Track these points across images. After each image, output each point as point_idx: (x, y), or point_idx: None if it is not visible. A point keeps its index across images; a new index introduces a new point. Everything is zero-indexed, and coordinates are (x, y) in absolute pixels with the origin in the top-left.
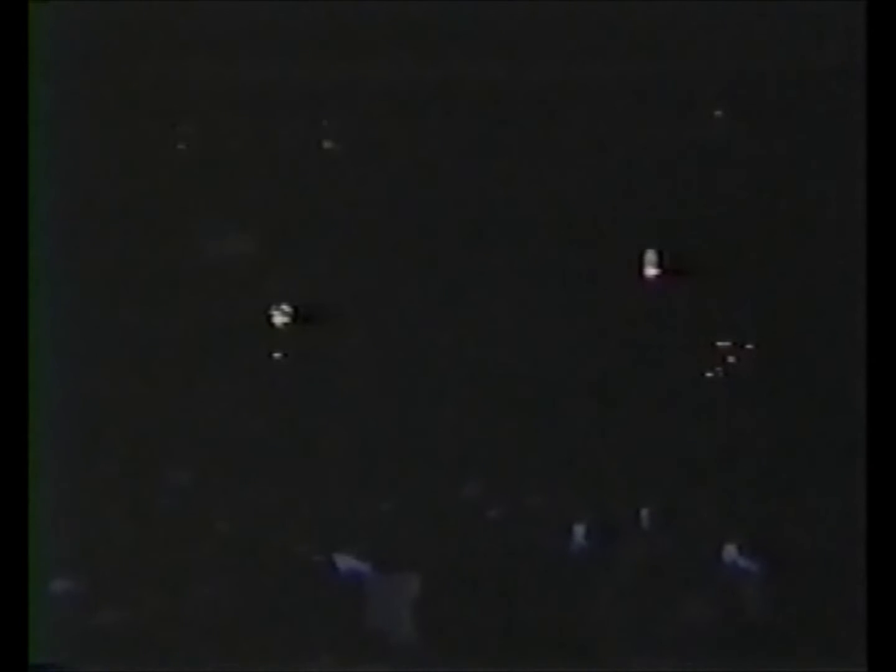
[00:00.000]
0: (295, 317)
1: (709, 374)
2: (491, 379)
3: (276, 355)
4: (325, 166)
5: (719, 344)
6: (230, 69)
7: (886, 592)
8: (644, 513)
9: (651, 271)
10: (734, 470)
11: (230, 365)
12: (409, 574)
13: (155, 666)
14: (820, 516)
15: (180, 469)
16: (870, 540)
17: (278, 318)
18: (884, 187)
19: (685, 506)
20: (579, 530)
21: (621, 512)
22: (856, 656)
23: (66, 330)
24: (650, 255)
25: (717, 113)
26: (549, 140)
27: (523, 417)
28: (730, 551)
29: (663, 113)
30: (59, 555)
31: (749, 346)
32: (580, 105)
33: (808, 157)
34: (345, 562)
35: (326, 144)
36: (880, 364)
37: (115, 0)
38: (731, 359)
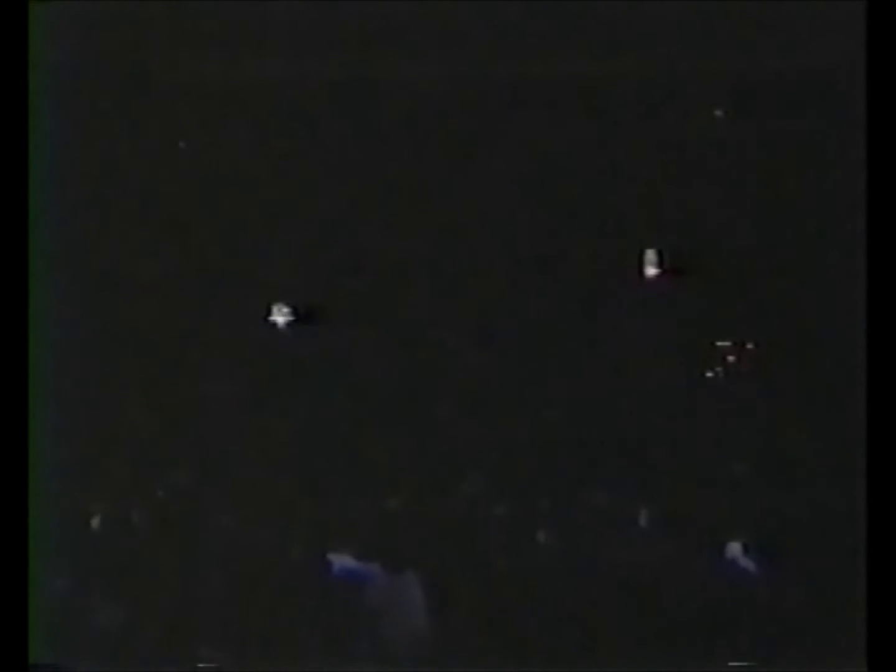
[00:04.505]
0: (295, 317)
1: (709, 374)
2: (491, 379)
3: (276, 355)
4: (325, 165)
5: (719, 344)
6: (231, 68)
7: (886, 592)
8: (644, 512)
9: (651, 271)
10: (734, 470)
11: (230, 364)
12: (409, 574)
13: (155, 666)
14: (820, 515)
15: (180, 469)
16: (870, 540)
17: (278, 318)
18: (884, 187)
19: (685, 505)
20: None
21: (621, 511)
22: (856, 656)
23: (66, 330)
24: (650, 255)
25: (717, 113)
26: (550, 140)
27: (524, 417)
28: (730, 551)
29: (663, 113)
30: (60, 555)
31: (749, 346)
32: (580, 105)
33: (808, 157)
34: (343, 562)
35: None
36: (880, 364)
37: (115, 0)
38: (731, 359)
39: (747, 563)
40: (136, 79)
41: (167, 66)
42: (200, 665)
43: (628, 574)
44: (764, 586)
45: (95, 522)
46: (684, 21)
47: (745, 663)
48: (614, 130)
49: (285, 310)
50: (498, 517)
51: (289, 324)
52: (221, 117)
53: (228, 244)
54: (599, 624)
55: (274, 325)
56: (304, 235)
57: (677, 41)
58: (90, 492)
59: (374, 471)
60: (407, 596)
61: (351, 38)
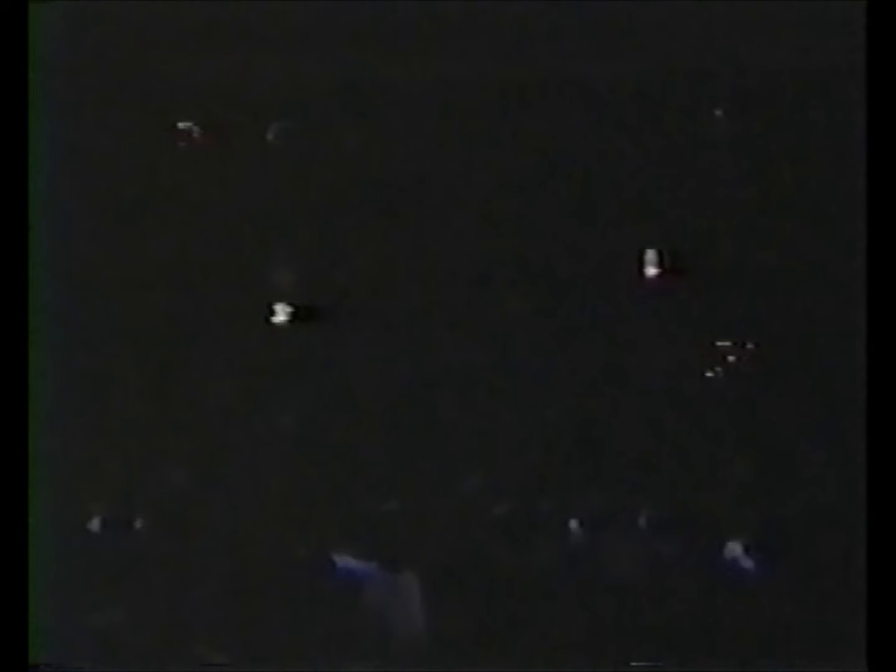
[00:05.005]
0: (295, 316)
1: (709, 374)
2: (491, 379)
3: (276, 354)
4: (325, 164)
5: (719, 344)
6: (231, 68)
7: (886, 592)
8: (644, 512)
9: (651, 271)
10: (734, 470)
11: (230, 364)
12: (407, 573)
13: (154, 666)
14: (820, 515)
15: (180, 468)
16: (870, 540)
17: (279, 318)
18: (884, 187)
19: (685, 505)
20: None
21: (621, 511)
22: (856, 656)
23: (65, 329)
24: (650, 255)
25: (718, 113)
26: (550, 140)
27: (524, 417)
28: (731, 551)
29: (663, 113)
30: (60, 555)
31: (749, 346)
32: (580, 105)
33: (808, 157)
34: (343, 561)
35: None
36: (880, 364)
37: (115, 0)
38: (731, 359)
39: (747, 563)
40: (136, 79)
41: (167, 66)
42: (200, 665)
43: (628, 574)
44: (764, 586)
45: (95, 523)
46: (684, 21)
47: (745, 663)
48: (614, 130)
49: (286, 309)
50: (498, 517)
51: (289, 323)
52: (222, 117)
53: (229, 244)
54: (599, 624)
55: (274, 324)
56: (304, 235)
57: (677, 41)
58: (90, 492)
59: (374, 471)
60: (405, 595)
61: (351, 37)
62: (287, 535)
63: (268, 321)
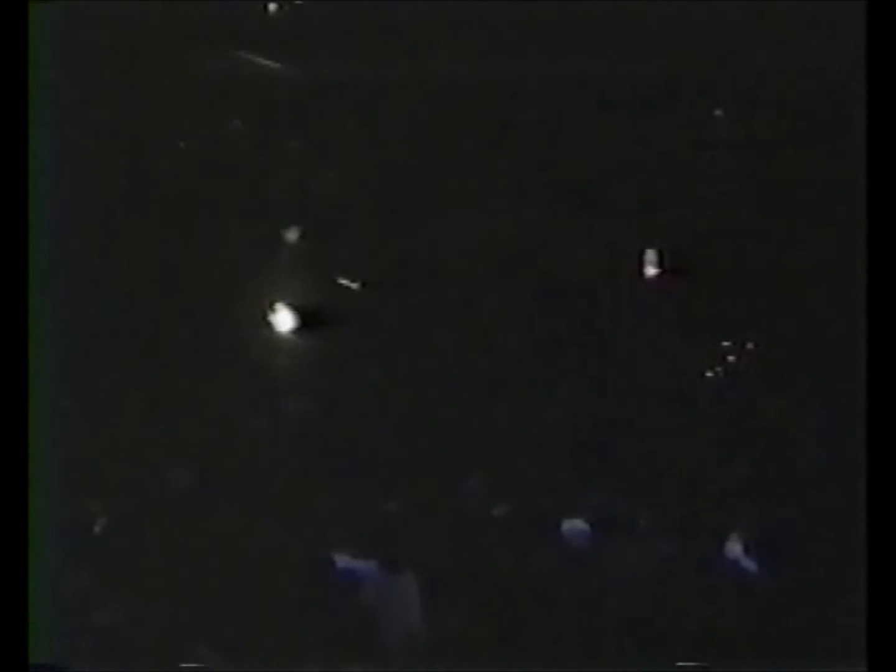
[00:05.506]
0: (296, 317)
1: (709, 374)
2: (491, 379)
3: (277, 356)
4: (325, 165)
5: (720, 344)
6: (232, 68)
7: (886, 592)
8: (644, 512)
9: (651, 271)
10: (735, 470)
11: (230, 365)
12: (407, 574)
13: (154, 666)
14: (821, 516)
15: (181, 468)
16: (870, 539)
17: (279, 319)
18: (884, 187)
19: (685, 505)
20: (581, 525)
21: (621, 511)
22: (856, 656)
23: (65, 329)
24: (650, 255)
25: (717, 113)
26: (550, 139)
27: (523, 417)
28: (731, 551)
29: (663, 113)
30: (60, 555)
31: (749, 346)
32: (580, 105)
33: (807, 157)
34: (343, 561)
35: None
36: (880, 364)
37: (116, 0)
38: (731, 359)
39: (748, 564)
40: (136, 79)
41: (168, 66)
42: (200, 665)
43: (628, 574)
44: (764, 586)
45: (96, 523)
46: (684, 21)
47: (745, 663)
48: (614, 130)
49: (286, 311)
50: (498, 517)
51: (289, 325)
52: (222, 117)
53: (229, 244)
54: (600, 624)
55: (274, 325)
56: (304, 235)
57: (677, 41)
58: (90, 492)
59: (374, 471)
60: (404, 596)
61: (352, 37)
62: (287, 534)
63: (268, 322)
